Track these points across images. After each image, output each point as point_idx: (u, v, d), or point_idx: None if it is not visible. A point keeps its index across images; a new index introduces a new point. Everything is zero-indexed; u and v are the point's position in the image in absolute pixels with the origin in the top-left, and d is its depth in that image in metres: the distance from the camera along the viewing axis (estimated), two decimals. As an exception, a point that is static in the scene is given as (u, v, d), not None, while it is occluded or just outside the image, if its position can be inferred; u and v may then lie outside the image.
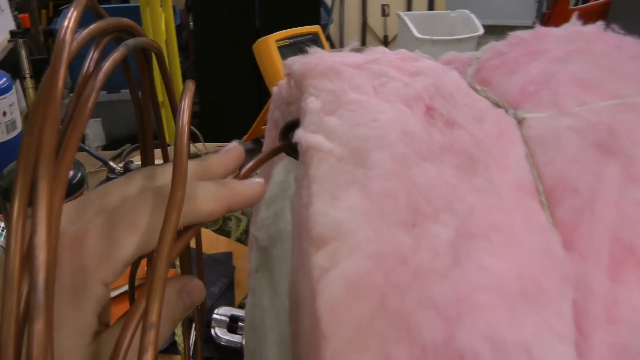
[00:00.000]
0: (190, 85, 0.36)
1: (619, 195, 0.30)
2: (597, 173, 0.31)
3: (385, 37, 3.36)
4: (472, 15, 2.46)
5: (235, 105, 2.51)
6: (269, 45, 0.76)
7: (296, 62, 0.40)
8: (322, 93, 0.36)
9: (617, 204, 0.30)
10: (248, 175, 0.35)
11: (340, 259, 0.26)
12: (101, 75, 0.30)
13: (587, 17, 0.45)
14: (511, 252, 0.28)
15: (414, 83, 0.36)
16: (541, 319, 0.27)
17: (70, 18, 0.27)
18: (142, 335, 0.22)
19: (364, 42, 3.43)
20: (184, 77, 2.76)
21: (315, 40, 0.83)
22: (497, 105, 0.36)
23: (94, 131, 2.49)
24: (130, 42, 0.35)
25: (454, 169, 0.30)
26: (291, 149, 0.40)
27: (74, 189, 0.69)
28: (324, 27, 2.81)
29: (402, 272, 0.26)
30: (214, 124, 2.50)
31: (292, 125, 0.41)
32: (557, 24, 0.42)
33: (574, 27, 0.41)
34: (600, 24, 0.41)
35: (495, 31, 2.82)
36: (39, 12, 2.91)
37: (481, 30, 2.35)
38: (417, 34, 2.36)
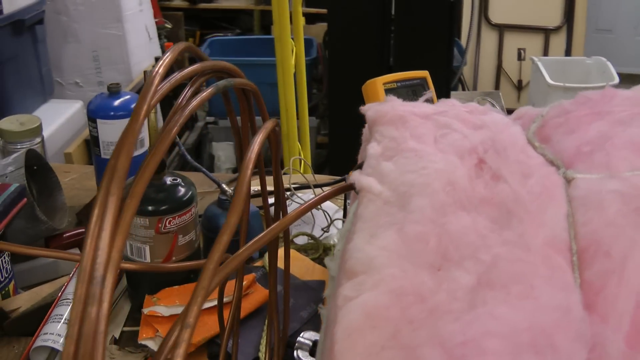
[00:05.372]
0: (268, 125, 0.40)
1: (653, 263, 0.30)
2: (634, 239, 0.31)
3: (520, 81, 3.30)
4: (609, 63, 2.37)
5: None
6: (376, 87, 0.81)
7: (371, 108, 0.43)
8: (385, 139, 0.39)
9: (649, 271, 0.30)
10: (309, 209, 0.39)
11: (364, 291, 0.29)
12: (186, 111, 0.35)
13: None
14: (527, 304, 0.29)
15: (473, 136, 0.38)
16: (548, 372, 0.28)
17: (162, 64, 0.32)
18: (179, 333, 0.26)
19: (497, 86, 3.38)
20: (316, 109, 2.87)
21: (422, 85, 0.86)
22: (551, 163, 0.37)
23: (226, 153, 2.65)
24: (221, 83, 0.41)
25: (488, 220, 0.32)
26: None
27: (183, 205, 0.77)
28: (457, 69, 2.81)
29: (419, 309, 0.29)
30: (342, 155, 2.57)
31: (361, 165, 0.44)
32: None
33: (645, 91, 0.41)
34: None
35: (633, 80, 2.68)
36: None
37: (616, 80, 2.25)
38: (549, 80, 2.30)
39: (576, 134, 0.39)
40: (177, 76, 0.36)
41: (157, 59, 1.88)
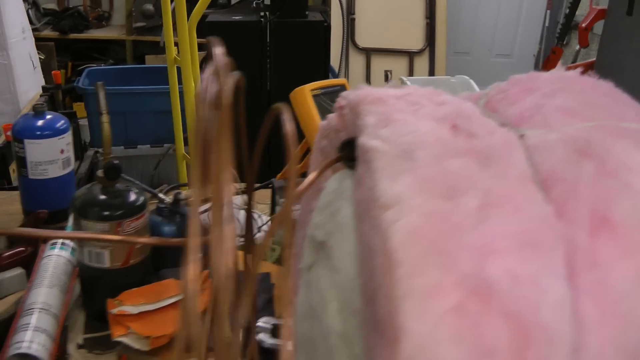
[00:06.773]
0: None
1: (594, 183, 0.42)
2: (578, 169, 0.43)
3: (387, 100, 3.56)
4: (472, 82, 2.65)
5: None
6: (304, 93, 0.90)
7: (351, 93, 0.53)
8: (375, 114, 0.48)
9: (593, 188, 0.42)
10: (314, 182, 0.47)
11: (403, 215, 0.38)
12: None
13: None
14: (519, 216, 0.39)
15: (441, 109, 0.49)
16: (542, 261, 0.38)
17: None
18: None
19: (366, 105, 3.61)
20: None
21: (342, 91, 0.97)
22: (503, 125, 0.49)
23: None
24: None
25: (474, 164, 0.43)
26: (348, 160, 0.52)
27: (138, 209, 0.81)
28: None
29: (446, 226, 0.38)
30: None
31: (348, 142, 0.53)
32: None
33: (558, 72, 0.54)
34: (579, 70, 0.54)
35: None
36: (59, 71, 3.07)
37: (479, 94, 2.53)
38: (418, 97, 2.52)
39: (516, 105, 0.50)
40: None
41: (44, 89, 1.84)
